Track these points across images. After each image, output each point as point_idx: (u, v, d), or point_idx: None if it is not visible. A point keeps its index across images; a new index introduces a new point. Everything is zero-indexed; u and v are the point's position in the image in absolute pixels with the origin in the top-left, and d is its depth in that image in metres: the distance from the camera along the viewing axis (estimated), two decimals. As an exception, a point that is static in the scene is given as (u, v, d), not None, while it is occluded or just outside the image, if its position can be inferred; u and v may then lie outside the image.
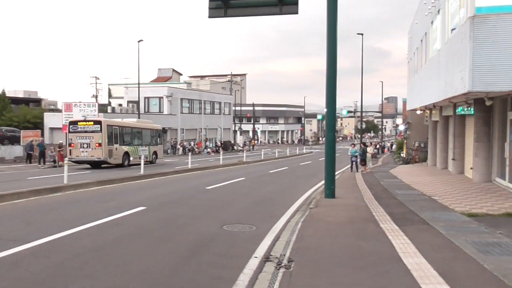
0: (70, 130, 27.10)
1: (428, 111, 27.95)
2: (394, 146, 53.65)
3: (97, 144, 26.52)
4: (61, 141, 35.51)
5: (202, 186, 17.14)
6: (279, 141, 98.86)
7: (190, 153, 34.40)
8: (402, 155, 35.53)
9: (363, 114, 49.47)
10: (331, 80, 12.84)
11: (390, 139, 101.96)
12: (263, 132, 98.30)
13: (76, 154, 26.74)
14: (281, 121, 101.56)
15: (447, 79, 15.09)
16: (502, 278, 6.09)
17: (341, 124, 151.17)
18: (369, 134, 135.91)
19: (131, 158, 28.90)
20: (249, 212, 11.53)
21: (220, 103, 63.17)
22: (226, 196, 14.50)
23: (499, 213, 10.87)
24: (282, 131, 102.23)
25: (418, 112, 29.25)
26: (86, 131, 26.79)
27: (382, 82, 63.23)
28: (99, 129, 26.72)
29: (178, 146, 49.90)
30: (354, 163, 25.36)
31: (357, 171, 24.83)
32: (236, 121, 72.01)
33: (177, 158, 41.98)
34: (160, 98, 51.84)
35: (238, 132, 70.05)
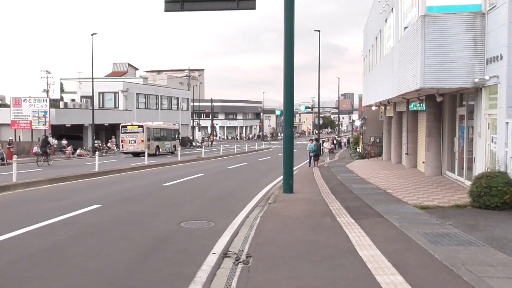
0: (122, 131, 37.55)
1: (383, 107, 28.68)
2: (350, 141, 54.58)
3: (140, 141, 37.06)
4: (10, 138, 34.11)
5: (160, 183, 16.91)
6: (238, 137, 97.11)
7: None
8: (358, 150, 36.13)
9: (321, 110, 50.07)
10: (289, 76, 12.92)
11: (346, 134, 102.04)
12: (222, 128, 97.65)
13: (126, 148, 37.26)
14: (239, 117, 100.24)
15: (400, 76, 15.51)
16: (451, 267, 6.34)
17: (299, 119, 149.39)
18: (326, 129, 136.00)
19: (160, 150, 39.57)
20: (207, 209, 11.44)
21: (177, 98, 62.39)
22: (184, 193, 14.29)
23: (449, 205, 11.32)
24: (241, 127, 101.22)
25: (374, 108, 29.94)
26: (133, 132, 37.18)
27: (338, 78, 64.20)
28: (141, 130, 37.16)
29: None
30: (312, 158, 25.72)
31: (315, 166, 25.23)
32: (194, 117, 70.85)
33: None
34: (115, 93, 50.66)
35: (197, 128, 69.55)
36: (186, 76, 74.70)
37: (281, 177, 14.75)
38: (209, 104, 79.27)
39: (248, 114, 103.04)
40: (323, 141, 30.33)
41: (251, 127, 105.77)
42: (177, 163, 28.32)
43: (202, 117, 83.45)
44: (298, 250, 7.31)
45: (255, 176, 20.36)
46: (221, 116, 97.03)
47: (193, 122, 69.31)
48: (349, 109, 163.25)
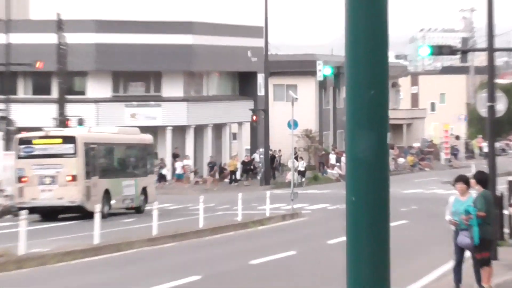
0: (21, 153, 19.20)
1: None
2: None
3: (69, 177, 18.73)
4: None
5: None
6: (166, 174, 31.78)
7: None
8: None
9: (500, 58, 13.08)
10: None
11: None
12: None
13: (32, 196, 18.71)
14: (173, 90, 33.79)
15: None
16: None
17: (416, 92, 54.00)
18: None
19: (112, 202, 20.19)
20: None
21: None
22: None
23: None
24: (178, 130, 34.04)
25: None
26: (49, 155, 18.87)
27: None
28: (72, 150, 18.93)
29: None
30: (471, 254, 8.86)
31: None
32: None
33: None
34: None
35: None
36: None
37: None
38: (50, 38, 28.43)
39: (209, 76, 36.08)
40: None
41: (220, 128, 36.69)
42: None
43: (20, 93, 31.24)
44: None
45: None
46: (97, 90, 33.62)
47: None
48: None
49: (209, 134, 35.35)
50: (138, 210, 22.00)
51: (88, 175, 19.61)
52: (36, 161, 19.12)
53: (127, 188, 21.49)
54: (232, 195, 24.76)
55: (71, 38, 28.44)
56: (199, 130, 34.81)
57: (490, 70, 13.24)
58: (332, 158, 37.31)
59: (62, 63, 27.53)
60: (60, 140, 19.47)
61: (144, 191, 22.15)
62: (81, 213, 19.40)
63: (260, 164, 34.30)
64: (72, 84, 32.12)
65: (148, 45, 32.83)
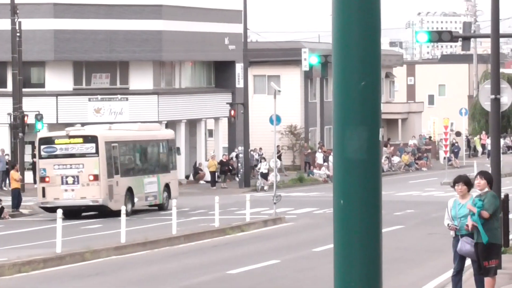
0: (42, 153, 19.58)
1: None
2: None
3: (91, 177, 19.23)
4: None
5: None
6: None
7: None
8: None
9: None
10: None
11: None
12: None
13: (55, 196, 19.28)
14: (142, 81, 31.18)
15: None
16: None
17: (412, 83, 49.62)
18: None
19: (135, 199, 20.47)
20: None
21: None
22: None
23: None
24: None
25: None
26: (71, 155, 19.50)
27: None
28: (93, 150, 19.48)
29: None
30: (475, 263, 7.88)
31: None
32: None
33: None
34: None
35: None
36: None
37: None
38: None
39: (180, 67, 32.89)
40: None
41: (195, 124, 33.55)
42: None
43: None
44: None
45: None
46: (59, 82, 30.66)
47: None
48: None
49: (182, 131, 31.66)
50: (161, 207, 22.12)
51: (110, 174, 19.96)
52: (58, 161, 19.49)
53: (150, 185, 21.63)
54: (208, 198, 23.22)
55: (27, 24, 25.83)
56: (171, 126, 30.87)
57: (495, 58, 12.28)
58: (319, 157, 34.53)
59: (17, 52, 24.68)
60: (81, 140, 19.87)
61: (167, 187, 22.30)
62: (104, 212, 19.89)
63: (239, 164, 31.12)
64: (29, 75, 29.66)
65: (113, 31, 29.60)
